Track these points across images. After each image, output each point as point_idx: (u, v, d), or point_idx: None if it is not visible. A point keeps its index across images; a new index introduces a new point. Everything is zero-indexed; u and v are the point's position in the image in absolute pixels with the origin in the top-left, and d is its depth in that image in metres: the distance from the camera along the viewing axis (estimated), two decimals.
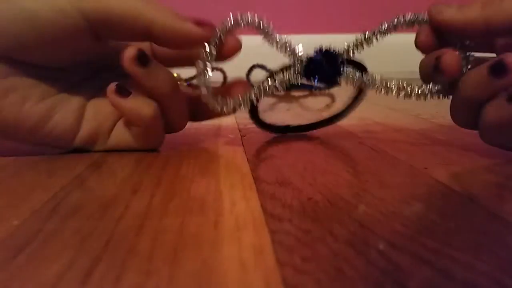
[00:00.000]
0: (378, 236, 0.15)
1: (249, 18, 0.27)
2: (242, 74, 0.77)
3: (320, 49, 0.28)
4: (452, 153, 0.29)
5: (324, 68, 0.28)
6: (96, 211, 0.18)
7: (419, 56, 0.29)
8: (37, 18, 0.24)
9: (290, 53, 0.28)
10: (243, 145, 0.31)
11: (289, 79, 0.28)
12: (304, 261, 0.14)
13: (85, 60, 0.29)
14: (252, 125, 0.40)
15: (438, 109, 0.45)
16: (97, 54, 0.29)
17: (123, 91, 0.26)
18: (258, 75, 0.81)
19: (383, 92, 0.28)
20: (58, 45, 0.26)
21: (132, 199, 0.20)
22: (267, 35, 0.28)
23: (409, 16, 0.28)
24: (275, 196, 0.20)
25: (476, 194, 0.20)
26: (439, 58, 0.25)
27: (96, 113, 0.29)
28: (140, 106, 0.27)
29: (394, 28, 0.28)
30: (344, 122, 0.38)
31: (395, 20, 0.28)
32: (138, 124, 0.28)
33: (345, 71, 0.28)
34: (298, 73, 0.28)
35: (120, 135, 0.29)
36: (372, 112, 0.48)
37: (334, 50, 0.28)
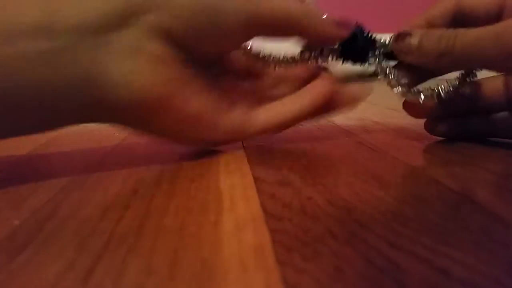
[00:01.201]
0: (378, 235, 0.15)
1: None
2: None
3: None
4: (452, 153, 0.29)
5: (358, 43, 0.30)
6: (96, 211, 0.18)
7: None
8: (219, 12, 0.24)
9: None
10: (243, 145, 0.31)
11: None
12: (304, 261, 0.14)
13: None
14: None
15: None
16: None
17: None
18: None
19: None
20: (222, 39, 0.26)
21: (132, 199, 0.20)
22: None
23: None
24: (275, 196, 0.20)
25: (476, 194, 0.20)
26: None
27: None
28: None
29: None
30: (343, 122, 0.38)
31: None
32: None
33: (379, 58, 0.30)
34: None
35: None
36: (371, 112, 0.48)
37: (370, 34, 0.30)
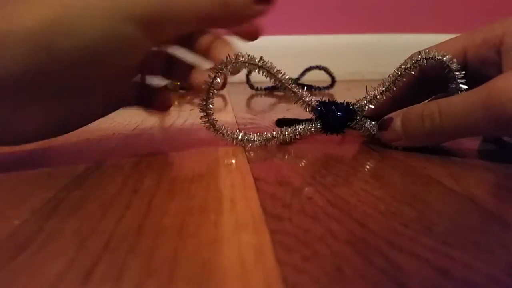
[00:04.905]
0: (378, 235, 0.15)
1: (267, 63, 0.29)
2: (242, 75, 0.77)
3: (340, 104, 0.31)
4: (452, 153, 0.29)
5: (337, 122, 0.30)
6: (96, 211, 0.18)
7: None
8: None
9: (308, 108, 0.31)
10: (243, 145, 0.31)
11: (306, 131, 0.31)
12: (303, 260, 0.14)
13: None
14: (252, 125, 0.40)
15: None
16: None
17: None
18: (258, 76, 0.81)
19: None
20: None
21: (132, 199, 0.20)
22: (286, 88, 0.30)
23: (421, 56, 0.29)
24: (275, 196, 0.20)
25: (476, 194, 0.20)
26: None
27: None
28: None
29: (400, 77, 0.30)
30: None
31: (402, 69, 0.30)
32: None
33: (361, 124, 0.31)
34: (316, 127, 0.31)
35: None
36: None
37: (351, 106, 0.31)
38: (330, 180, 0.23)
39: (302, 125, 0.31)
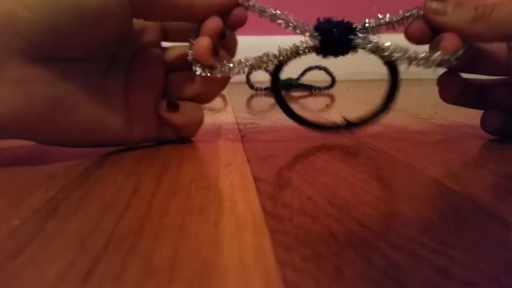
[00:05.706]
0: (378, 235, 0.15)
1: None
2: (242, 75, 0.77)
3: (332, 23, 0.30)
4: (452, 153, 0.29)
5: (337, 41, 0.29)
6: (96, 211, 0.18)
7: None
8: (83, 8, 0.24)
9: (302, 29, 0.30)
10: (243, 145, 0.31)
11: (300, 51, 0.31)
12: (303, 260, 0.14)
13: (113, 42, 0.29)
14: (252, 126, 0.40)
15: (438, 110, 0.45)
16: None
17: (173, 106, 0.30)
18: (258, 76, 0.81)
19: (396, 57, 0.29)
20: (99, 30, 0.26)
21: (132, 199, 0.20)
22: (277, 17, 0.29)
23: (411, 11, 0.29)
24: (275, 196, 0.20)
25: (476, 194, 0.20)
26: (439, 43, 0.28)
27: (141, 112, 0.30)
28: (191, 115, 0.31)
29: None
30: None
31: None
32: (189, 129, 0.32)
33: (360, 39, 0.29)
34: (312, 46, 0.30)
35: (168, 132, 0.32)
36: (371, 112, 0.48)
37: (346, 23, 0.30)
38: (330, 179, 0.23)
39: (301, 43, 0.30)
